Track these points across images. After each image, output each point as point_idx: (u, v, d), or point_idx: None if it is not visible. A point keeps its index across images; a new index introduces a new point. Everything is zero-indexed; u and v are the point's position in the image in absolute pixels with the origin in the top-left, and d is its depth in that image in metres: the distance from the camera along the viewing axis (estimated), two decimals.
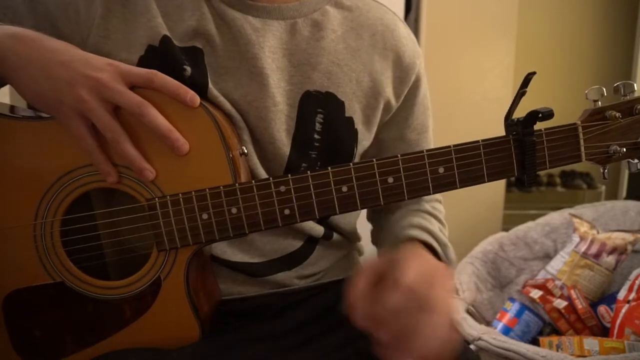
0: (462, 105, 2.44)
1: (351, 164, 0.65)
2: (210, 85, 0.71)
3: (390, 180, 0.66)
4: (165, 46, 0.70)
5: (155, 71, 0.63)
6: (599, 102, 0.67)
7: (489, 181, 0.67)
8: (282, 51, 0.74)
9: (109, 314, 0.68)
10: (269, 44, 0.73)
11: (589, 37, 2.77)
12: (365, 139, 0.80)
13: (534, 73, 0.64)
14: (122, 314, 0.68)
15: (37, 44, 0.63)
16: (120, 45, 0.70)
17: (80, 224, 0.67)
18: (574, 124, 0.67)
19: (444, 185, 0.66)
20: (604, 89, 0.67)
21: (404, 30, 0.82)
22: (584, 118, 0.67)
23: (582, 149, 0.67)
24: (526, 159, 0.66)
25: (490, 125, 2.51)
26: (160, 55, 0.70)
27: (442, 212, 0.87)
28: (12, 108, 0.74)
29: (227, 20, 0.72)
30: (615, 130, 0.67)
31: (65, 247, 0.67)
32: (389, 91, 0.80)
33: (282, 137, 0.74)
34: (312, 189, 0.65)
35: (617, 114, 0.66)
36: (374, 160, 0.65)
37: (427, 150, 0.65)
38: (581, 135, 0.67)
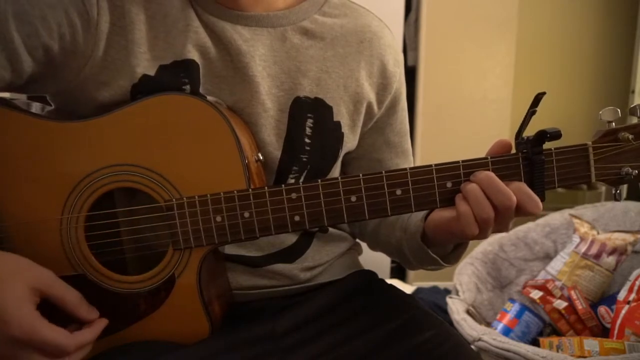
0: (462, 105, 2.45)
1: (360, 174, 0.67)
2: (204, 94, 0.74)
3: (399, 192, 0.68)
4: (160, 75, 0.72)
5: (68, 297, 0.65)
6: (613, 124, 0.67)
7: None
8: (272, 58, 0.76)
9: (125, 307, 0.71)
10: (260, 52, 0.75)
11: (589, 37, 2.76)
12: (349, 142, 0.82)
13: (544, 93, 0.65)
14: (137, 308, 0.71)
15: None
16: (116, 74, 0.71)
17: (102, 221, 0.70)
18: (585, 144, 0.67)
19: (451, 199, 0.68)
20: (619, 110, 0.67)
21: (389, 38, 0.85)
22: (596, 139, 0.67)
23: (592, 169, 0.67)
24: (534, 177, 0.67)
25: (490, 125, 2.52)
26: (156, 83, 0.72)
27: None
28: (43, 108, 0.79)
29: (217, 31, 0.74)
30: (628, 152, 0.67)
31: (88, 241, 0.70)
32: (372, 97, 0.82)
33: (273, 141, 0.77)
34: (322, 197, 0.68)
35: (630, 136, 0.66)
36: (383, 172, 0.67)
37: (436, 165, 0.67)
38: (592, 156, 0.67)
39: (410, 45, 2.49)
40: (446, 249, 0.78)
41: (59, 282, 0.65)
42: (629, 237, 1.80)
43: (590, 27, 2.76)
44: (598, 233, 1.85)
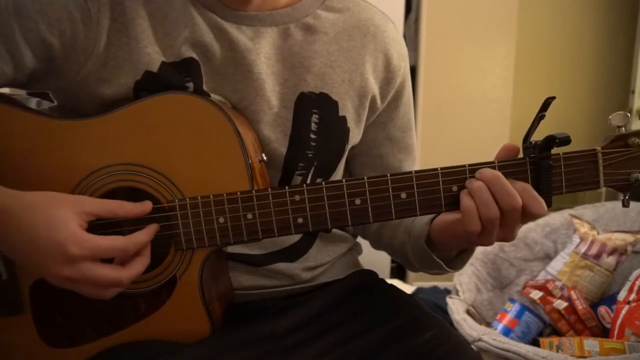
0: (462, 105, 2.45)
1: (365, 177, 0.67)
2: (208, 92, 0.74)
3: (404, 195, 0.67)
4: (163, 72, 0.72)
5: (117, 208, 0.66)
6: (623, 129, 0.66)
7: None
8: (275, 56, 0.76)
9: (125, 306, 0.71)
10: (264, 50, 0.75)
11: (589, 37, 2.76)
12: (354, 137, 0.82)
13: (554, 98, 0.65)
14: (138, 308, 0.71)
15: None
16: (118, 71, 0.71)
17: (104, 220, 0.69)
18: (594, 149, 0.66)
19: (456, 203, 0.67)
20: (629, 115, 0.66)
21: (393, 32, 0.84)
22: (605, 144, 0.66)
23: (601, 175, 0.66)
24: (542, 182, 0.66)
25: (490, 126, 2.52)
26: (159, 80, 0.72)
27: None
28: (39, 103, 0.79)
29: (222, 30, 0.74)
30: (638, 158, 0.66)
31: None
32: (375, 91, 0.82)
33: (279, 138, 0.76)
34: (325, 200, 0.67)
35: None
36: (388, 175, 0.67)
37: (442, 168, 0.66)
38: (601, 162, 0.66)
39: (410, 45, 2.49)
40: (450, 253, 0.78)
41: (95, 199, 0.66)
42: (629, 237, 1.80)
43: (590, 27, 2.76)
44: (598, 233, 1.85)
